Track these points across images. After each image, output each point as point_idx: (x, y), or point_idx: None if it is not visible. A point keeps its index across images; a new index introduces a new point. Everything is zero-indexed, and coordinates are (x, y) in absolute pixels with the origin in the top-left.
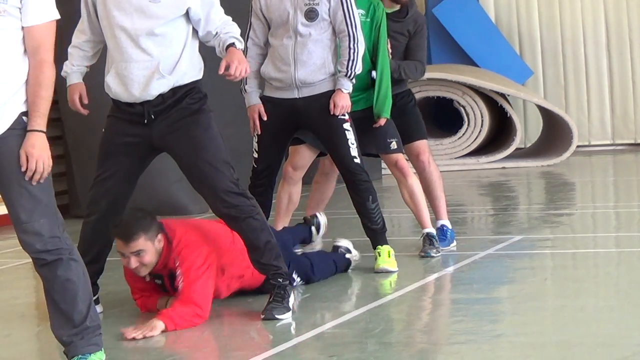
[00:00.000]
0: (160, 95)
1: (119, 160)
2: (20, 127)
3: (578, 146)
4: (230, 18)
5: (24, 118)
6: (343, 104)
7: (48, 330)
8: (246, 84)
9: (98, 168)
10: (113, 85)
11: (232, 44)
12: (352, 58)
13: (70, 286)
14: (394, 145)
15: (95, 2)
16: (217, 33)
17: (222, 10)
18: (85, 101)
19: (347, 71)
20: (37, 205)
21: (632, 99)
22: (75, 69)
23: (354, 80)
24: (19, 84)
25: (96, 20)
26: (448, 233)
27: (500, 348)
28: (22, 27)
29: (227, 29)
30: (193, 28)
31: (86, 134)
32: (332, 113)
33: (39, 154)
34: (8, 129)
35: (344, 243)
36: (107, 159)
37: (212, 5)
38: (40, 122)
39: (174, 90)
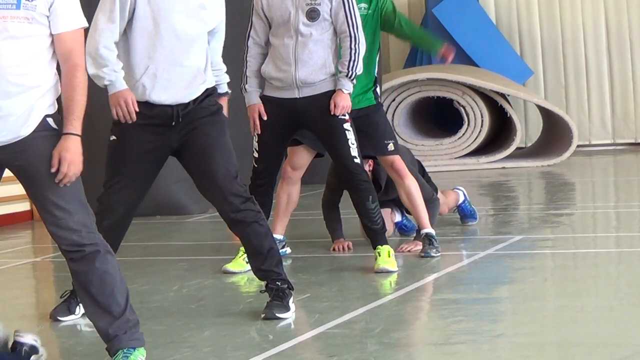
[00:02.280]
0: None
1: (138, 168)
2: (45, 129)
3: (578, 146)
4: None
5: (49, 120)
6: (344, 104)
7: (48, 330)
8: (246, 83)
9: (113, 175)
10: (149, 87)
11: (227, 93)
12: (353, 59)
13: (108, 278)
14: (391, 146)
15: (136, 3)
16: (218, 69)
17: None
18: (136, 106)
19: (348, 72)
20: (69, 202)
21: (633, 99)
22: (119, 74)
23: (354, 81)
24: (44, 89)
25: (126, 19)
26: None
27: (500, 348)
28: (51, 34)
29: (224, 68)
30: None
31: (86, 134)
32: (332, 113)
33: (71, 157)
34: (33, 132)
35: (28, 339)
36: (123, 166)
37: (222, 23)
38: (76, 125)
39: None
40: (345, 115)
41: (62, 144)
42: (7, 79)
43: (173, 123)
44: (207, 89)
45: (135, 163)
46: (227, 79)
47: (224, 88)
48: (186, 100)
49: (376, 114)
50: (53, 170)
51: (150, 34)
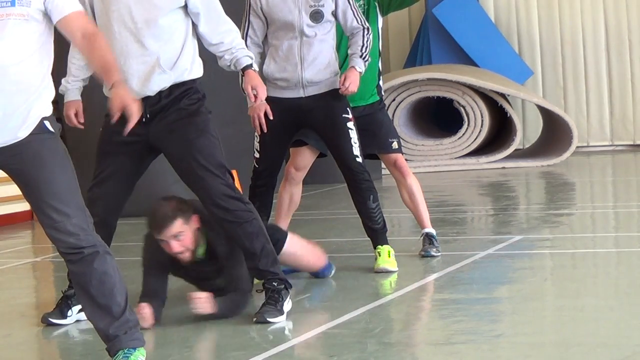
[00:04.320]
0: (158, 93)
1: (117, 160)
2: (42, 132)
3: (577, 147)
4: (233, 25)
5: (45, 122)
6: (354, 79)
7: (48, 330)
8: None
9: (96, 168)
10: None
11: (251, 65)
12: (365, 45)
13: (107, 279)
14: (395, 145)
15: (92, 1)
16: (230, 48)
17: (221, 7)
18: (81, 119)
19: (362, 52)
20: (66, 205)
21: (631, 101)
22: (70, 85)
23: (366, 64)
24: (40, 88)
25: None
26: None
27: (500, 348)
28: (44, 32)
29: (241, 44)
30: (193, 24)
31: (87, 134)
32: (340, 85)
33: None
34: (30, 134)
35: None
36: (104, 158)
37: (199, 2)
38: (120, 75)
39: (171, 89)
40: (348, 114)
41: (118, 90)
42: (7, 77)
43: (144, 119)
44: (183, 83)
45: (116, 155)
46: (245, 52)
47: (243, 62)
48: (149, 93)
49: (380, 112)
50: (113, 121)
51: (106, 29)
